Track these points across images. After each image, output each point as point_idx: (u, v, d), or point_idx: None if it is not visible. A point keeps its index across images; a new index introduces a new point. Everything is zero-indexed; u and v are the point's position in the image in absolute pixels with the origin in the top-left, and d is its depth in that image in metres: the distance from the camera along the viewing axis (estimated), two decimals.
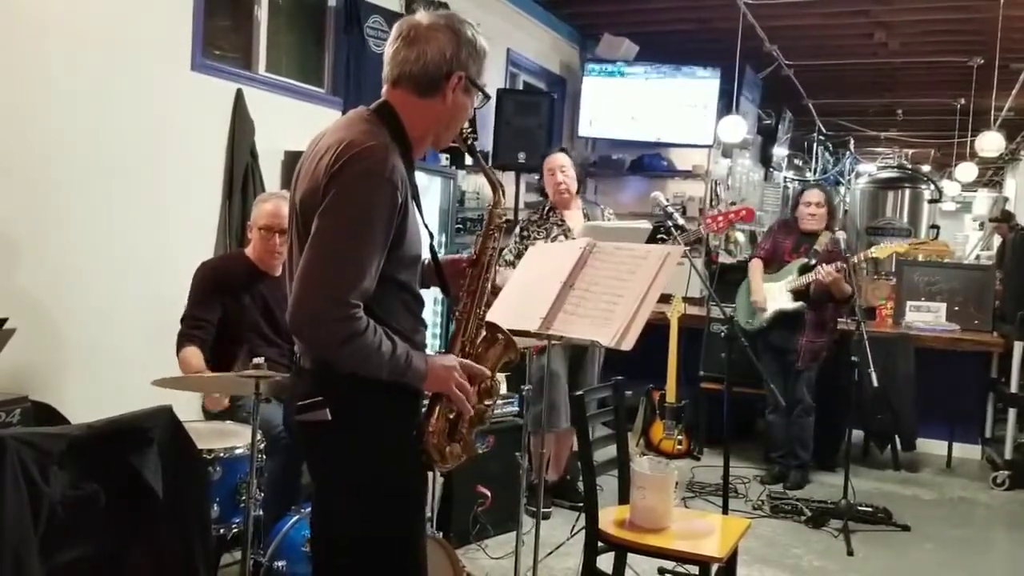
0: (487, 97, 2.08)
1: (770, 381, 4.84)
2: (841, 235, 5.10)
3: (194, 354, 3.29)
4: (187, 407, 3.20)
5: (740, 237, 8.66)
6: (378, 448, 1.93)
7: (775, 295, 5.17)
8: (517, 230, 4.57)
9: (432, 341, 5.16)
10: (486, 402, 2.07)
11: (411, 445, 1.98)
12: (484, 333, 2.09)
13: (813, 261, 5.07)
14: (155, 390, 2.64)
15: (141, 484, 2.51)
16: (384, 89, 2.02)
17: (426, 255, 2.09)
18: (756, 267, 5.33)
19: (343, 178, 1.81)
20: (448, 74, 1.95)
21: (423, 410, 2.00)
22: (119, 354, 3.88)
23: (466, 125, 2.09)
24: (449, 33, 1.95)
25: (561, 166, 4.48)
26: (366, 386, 1.88)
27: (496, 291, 2.90)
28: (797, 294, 5.10)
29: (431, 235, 2.05)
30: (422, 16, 1.98)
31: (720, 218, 5.08)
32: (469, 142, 2.12)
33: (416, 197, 1.96)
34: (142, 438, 2.54)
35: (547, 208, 4.55)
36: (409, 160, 1.94)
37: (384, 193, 1.81)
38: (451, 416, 2.00)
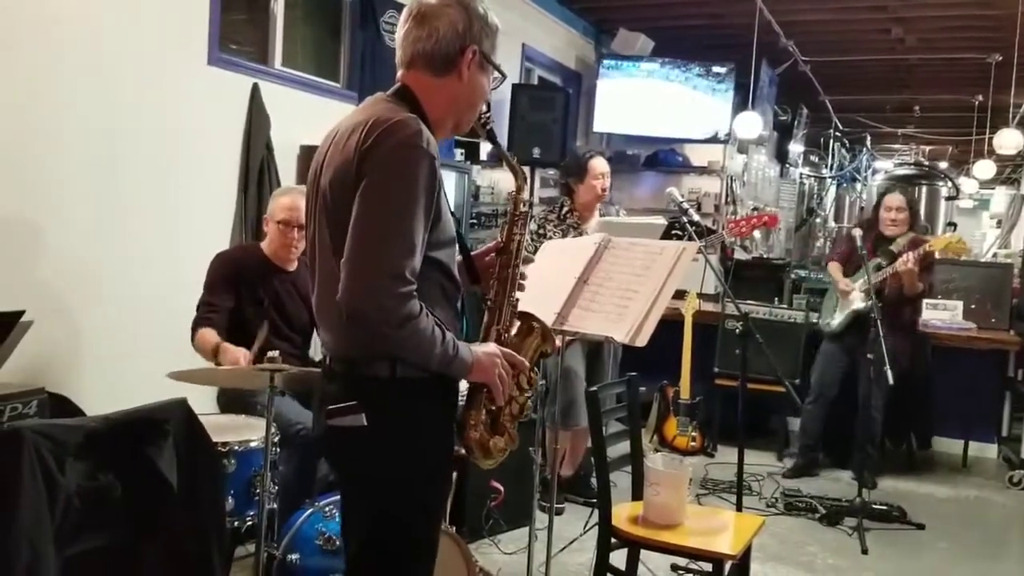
0: (503, 75, 2.04)
1: (827, 379, 4.90)
2: (856, 232, 5.06)
3: (209, 332, 3.28)
4: (202, 400, 3.21)
5: (755, 233, 8.62)
6: (416, 452, 1.89)
7: (851, 296, 5.17)
8: (533, 226, 4.55)
9: None
10: (526, 394, 2.04)
11: (447, 447, 1.96)
12: (519, 324, 2.06)
13: (886, 262, 5.03)
14: (170, 382, 2.65)
15: (156, 476, 2.52)
16: (399, 74, 1.97)
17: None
18: (835, 267, 5.35)
19: (378, 153, 1.77)
20: (462, 49, 1.91)
21: (460, 408, 1.98)
22: (135, 347, 3.91)
23: (484, 109, 2.04)
24: (459, 8, 1.91)
25: (607, 173, 4.48)
26: (400, 388, 1.85)
27: None
28: (869, 293, 5.07)
29: (457, 221, 2.01)
30: None
31: (743, 223, 5.07)
32: (488, 127, 2.07)
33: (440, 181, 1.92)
34: (157, 430, 2.56)
35: (565, 209, 4.52)
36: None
37: (423, 164, 1.77)
38: (492, 408, 1.98)
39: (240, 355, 3.15)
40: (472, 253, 2.15)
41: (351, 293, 1.75)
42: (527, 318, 2.09)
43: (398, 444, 1.87)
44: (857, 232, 5.07)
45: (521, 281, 2.09)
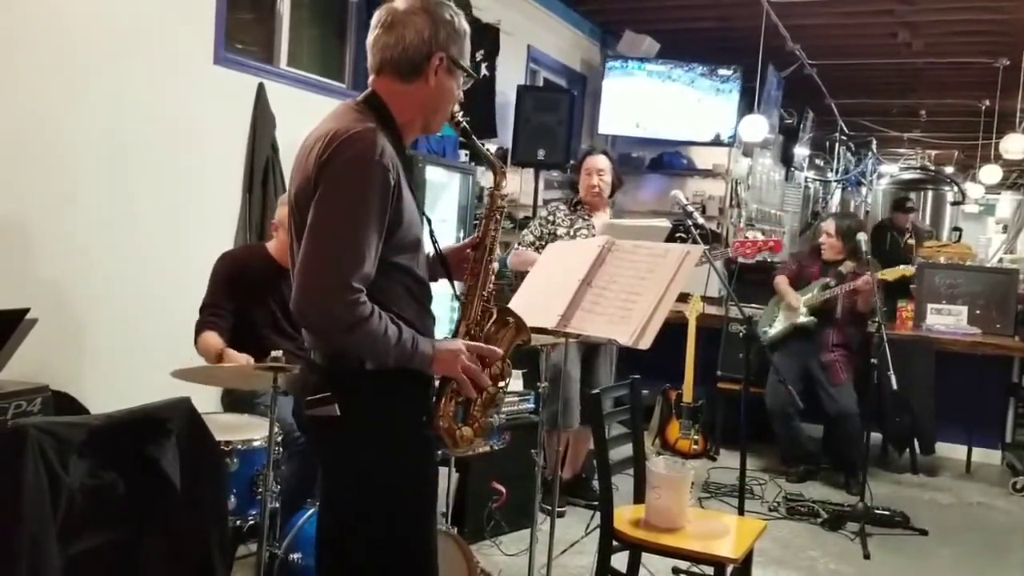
0: (471, 76, 2.07)
1: (781, 396, 4.98)
2: (862, 236, 5.09)
3: (212, 337, 3.29)
4: (205, 398, 3.22)
5: (759, 237, 8.64)
6: (388, 442, 1.93)
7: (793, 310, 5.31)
8: (544, 213, 4.62)
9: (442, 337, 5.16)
10: (499, 384, 2.06)
11: (421, 438, 1.98)
12: (495, 316, 2.09)
13: (834, 282, 5.18)
14: (174, 381, 2.65)
15: (159, 474, 2.53)
16: (370, 79, 2.02)
17: (429, 248, 2.10)
18: (782, 282, 5.47)
19: (333, 166, 1.82)
20: (429, 56, 1.95)
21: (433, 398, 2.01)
22: (139, 345, 3.91)
23: (456, 108, 2.09)
24: (426, 15, 1.95)
25: (599, 169, 4.49)
26: (376, 380, 1.89)
27: (515, 287, 2.90)
28: (812, 310, 5.22)
29: (428, 221, 2.06)
30: (400, 1, 1.98)
31: (749, 245, 5.16)
32: (461, 125, 2.12)
33: (411, 184, 1.96)
34: (161, 429, 2.56)
35: (576, 201, 4.57)
36: (400, 147, 1.95)
37: (376, 176, 1.82)
38: (460, 400, 2.01)
39: (243, 361, 3.15)
40: (450, 248, 2.20)
41: (300, 304, 1.83)
42: (503, 312, 2.11)
43: (372, 432, 1.92)
44: (863, 237, 5.09)
45: (494, 281, 2.13)
